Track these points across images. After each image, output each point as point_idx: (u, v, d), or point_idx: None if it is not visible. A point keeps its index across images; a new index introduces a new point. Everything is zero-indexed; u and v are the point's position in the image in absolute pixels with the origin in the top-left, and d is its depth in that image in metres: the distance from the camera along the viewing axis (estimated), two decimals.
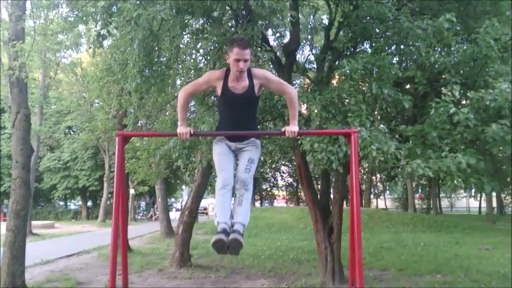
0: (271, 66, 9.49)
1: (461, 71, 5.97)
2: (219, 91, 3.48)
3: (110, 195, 29.18)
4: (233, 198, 3.46)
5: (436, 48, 6.05)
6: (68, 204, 45.33)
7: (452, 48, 6.11)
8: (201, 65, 8.32)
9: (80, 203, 40.64)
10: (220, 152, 3.54)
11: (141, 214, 40.83)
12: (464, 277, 8.98)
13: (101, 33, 6.76)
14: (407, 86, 6.91)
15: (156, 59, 7.31)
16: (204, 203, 35.56)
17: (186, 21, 7.35)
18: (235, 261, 11.50)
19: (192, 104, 9.39)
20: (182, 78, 8.51)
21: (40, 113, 22.43)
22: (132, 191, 30.28)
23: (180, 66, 8.53)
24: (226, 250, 3.24)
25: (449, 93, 5.45)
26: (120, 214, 3.53)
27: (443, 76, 6.13)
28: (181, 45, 7.99)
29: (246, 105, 3.49)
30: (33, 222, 23.08)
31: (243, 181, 3.39)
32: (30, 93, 19.85)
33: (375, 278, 8.98)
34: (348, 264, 3.92)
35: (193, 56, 8.30)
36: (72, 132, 36.23)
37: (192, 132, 3.50)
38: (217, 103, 3.66)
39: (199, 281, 9.17)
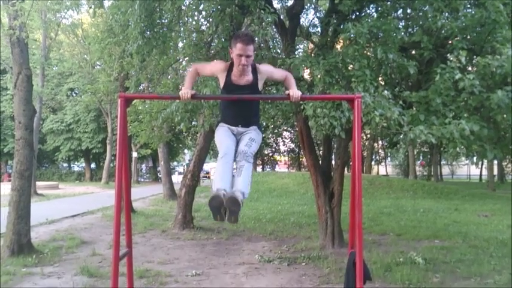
0: (275, 29, 9.33)
1: (469, 36, 5.85)
2: (221, 83, 3.48)
3: (113, 158, 29.43)
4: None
5: (443, 13, 5.90)
6: (72, 166, 45.81)
7: (459, 13, 5.96)
8: (203, 27, 8.19)
9: (84, 164, 41.06)
10: (221, 133, 3.52)
11: (144, 177, 41.30)
12: (462, 242, 9.12)
13: None
14: (413, 52, 6.80)
15: (157, 21, 7.19)
16: (206, 167, 35.95)
17: None
18: (236, 223, 11.67)
19: None
20: (184, 41, 8.39)
21: (42, 75, 22.29)
22: (134, 154, 30.47)
23: (182, 28, 8.39)
24: (224, 215, 3.13)
25: (455, 59, 5.36)
26: (123, 176, 3.55)
27: (450, 41, 6.02)
28: (183, 7, 7.83)
29: (249, 93, 3.47)
30: (38, 183, 23.40)
31: (244, 153, 3.35)
32: (31, 54, 19.66)
33: (374, 242, 9.15)
34: (348, 229, 3.97)
35: (196, 18, 8.16)
36: (74, 95, 36.15)
37: (193, 94, 3.47)
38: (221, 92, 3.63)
39: (202, 242, 9.36)
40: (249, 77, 3.44)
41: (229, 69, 3.44)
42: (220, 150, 3.38)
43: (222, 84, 3.50)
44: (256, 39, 3.88)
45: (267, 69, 3.57)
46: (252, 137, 3.46)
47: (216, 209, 3.11)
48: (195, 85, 7.15)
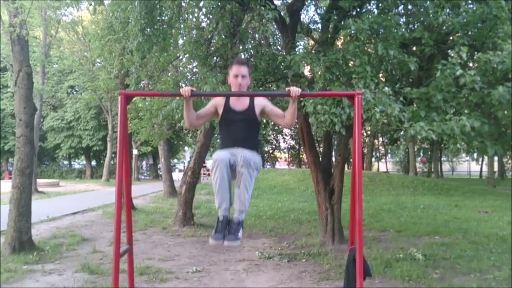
0: (275, 26, 9.31)
1: (470, 32, 5.85)
2: (220, 110, 3.55)
3: (113, 155, 29.44)
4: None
5: (444, 9, 5.89)
6: (72, 163, 45.84)
7: (461, 9, 5.94)
8: (204, 24, 8.17)
9: (84, 162, 41.08)
10: (221, 159, 3.31)
11: (144, 174, 41.33)
12: (462, 239, 9.13)
13: None
14: (414, 48, 6.79)
15: (157, 18, 7.17)
16: (208, 164, 35.94)
17: None
18: None
19: (194, 65, 9.28)
20: (184, 38, 8.38)
21: (42, 72, 22.28)
22: (135, 151, 30.51)
23: (182, 25, 8.38)
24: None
25: (456, 55, 5.35)
26: (124, 173, 3.55)
27: (451, 37, 6.01)
28: (183, 4, 7.82)
29: (245, 122, 3.49)
30: (39, 181, 23.41)
31: (245, 158, 3.27)
32: (31, 52, 19.65)
33: (374, 239, 9.16)
34: (348, 225, 3.97)
35: (196, 15, 8.14)
36: (74, 92, 36.13)
37: (192, 90, 3.47)
38: (219, 125, 3.61)
39: (202, 239, 9.37)
40: (246, 102, 3.53)
41: (227, 99, 3.57)
42: (214, 161, 3.31)
43: (220, 112, 3.55)
44: (249, 63, 4.02)
45: (263, 100, 3.62)
46: (253, 152, 3.40)
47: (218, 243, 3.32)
48: (195, 82, 7.16)
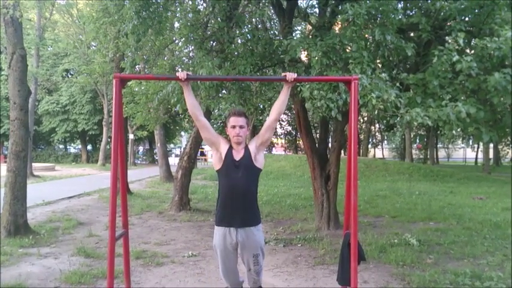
0: (272, 10, 9.22)
1: (467, 18, 5.81)
2: (223, 155, 3.58)
3: (109, 139, 29.37)
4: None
5: None
6: (68, 147, 45.76)
7: None
8: (200, 7, 8.08)
9: (80, 146, 41.03)
10: (219, 251, 3.89)
11: (140, 159, 41.30)
12: (457, 224, 9.21)
13: None
14: (411, 33, 6.75)
15: (153, 0, 7.08)
16: (206, 148, 35.93)
17: None
18: None
19: (190, 48, 9.21)
20: (180, 21, 8.29)
21: (36, 55, 22.09)
22: (131, 136, 30.45)
23: (178, 8, 8.29)
24: None
25: (453, 41, 5.32)
26: (119, 157, 3.54)
27: (449, 23, 5.98)
28: None
29: (245, 170, 3.55)
30: (34, 165, 23.38)
31: (255, 271, 3.87)
32: (25, 34, 19.45)
33: (369, 224, 9.22)
34: (343, 211, 3.99)
35: None
36: (69, 76, 35.87)
37: (188, 74, 3.49)
38: (219, 173, 3.64)
39: (198, 224, 9.41)
40: (243, 151, 3.61)
41: (230, 146, 3.62)
42: (225, 280, 3.95)
43: (223, 156, 3.57)
44: (246, 112, 4.09)
45: (254, 139, 3.69)
46: (254, 253, 3.79)
47: None
48: (191, 66, 7.11)
